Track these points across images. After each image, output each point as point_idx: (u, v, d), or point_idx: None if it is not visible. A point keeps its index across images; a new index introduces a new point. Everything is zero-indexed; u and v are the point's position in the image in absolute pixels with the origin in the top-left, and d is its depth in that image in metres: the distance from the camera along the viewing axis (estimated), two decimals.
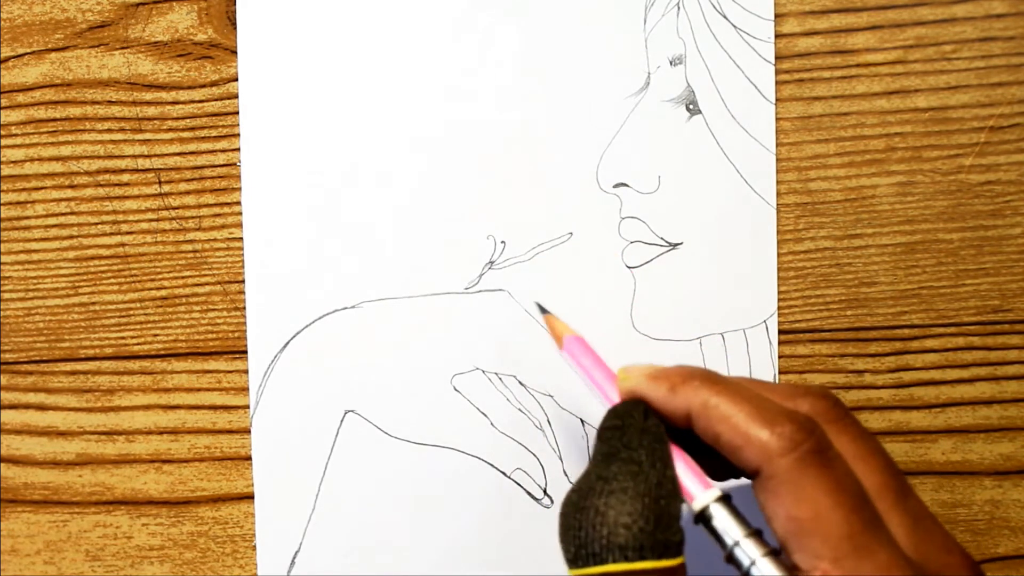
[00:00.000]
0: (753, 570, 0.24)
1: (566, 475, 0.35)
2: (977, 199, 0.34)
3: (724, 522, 0.24)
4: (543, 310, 0.31)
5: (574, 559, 0.24)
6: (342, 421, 0.36)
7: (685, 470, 0.25)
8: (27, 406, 0.37)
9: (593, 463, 0.26)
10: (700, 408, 0.25)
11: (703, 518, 0.25)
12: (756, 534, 0.24)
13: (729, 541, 0.24)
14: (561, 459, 0.35)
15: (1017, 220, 0.34)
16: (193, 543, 0.37)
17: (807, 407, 0.25)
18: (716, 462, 0.26)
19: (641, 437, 0.25)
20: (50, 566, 0.38)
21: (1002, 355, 0.34)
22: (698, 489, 0.25)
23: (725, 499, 0.25)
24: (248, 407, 0.36)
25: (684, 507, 0.25)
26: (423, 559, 0.35)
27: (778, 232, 0.34)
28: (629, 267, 0.34)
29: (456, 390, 0.35)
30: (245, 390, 0.36)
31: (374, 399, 0.35)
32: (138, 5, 0.36)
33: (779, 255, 0.34)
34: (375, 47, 0.35)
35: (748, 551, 0.24)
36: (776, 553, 0.24)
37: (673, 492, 0.25)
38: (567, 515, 0.25)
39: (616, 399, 0.27)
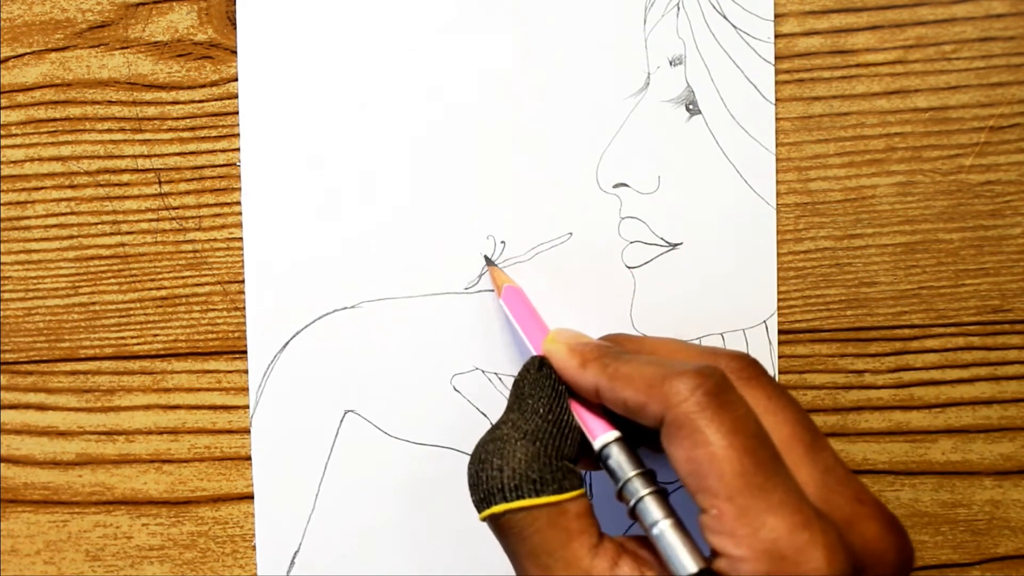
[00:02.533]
0: (639, 507, 0.24)
1: None
2: (977, 199, 0.34)
3: (618, 461, 0.25)
4: (489, 262, 0.33)
5: (477, 507, 0.26)
6: (342, 421, 0.36)
7: (589, 416, 0.26)
8: (27, 406, 0.37)
9: None
10: (607, 382, 0.25)
11: (601, 459, 0.26)
12: (648, 474, 0.25)
13: (620, 479, 0.25)
14: None
15: (1017, 220, 0.34)
16: (193, 543, 0.37)
17: (722, 365, 0.25)
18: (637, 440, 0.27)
19: (532, 387, 0.27)
20: (50, 566, 0.38)
21: (1002, 355, 0.34)
22: (598, 432, 0.26)
23: (623, 441, 0.25)
24: (248, 407, 0.36)
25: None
26: (423, 559, 0.35)
27: (778, 232, 0.34)
28: (629, 267, 0.34)
29: (456, 390, 0.35)
30: (245, 390, 0.36)
31: (374, 399, 0.35)
32: (138, 5, 0.36)
33: (779, 255, 0.34)
34: (375, 47, 0.35)
35: (636, 489, 0.24)
36: (664, 493, 0.24)
37: (561, 434, 0.26)
38: (468, 468, 0.26)
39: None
